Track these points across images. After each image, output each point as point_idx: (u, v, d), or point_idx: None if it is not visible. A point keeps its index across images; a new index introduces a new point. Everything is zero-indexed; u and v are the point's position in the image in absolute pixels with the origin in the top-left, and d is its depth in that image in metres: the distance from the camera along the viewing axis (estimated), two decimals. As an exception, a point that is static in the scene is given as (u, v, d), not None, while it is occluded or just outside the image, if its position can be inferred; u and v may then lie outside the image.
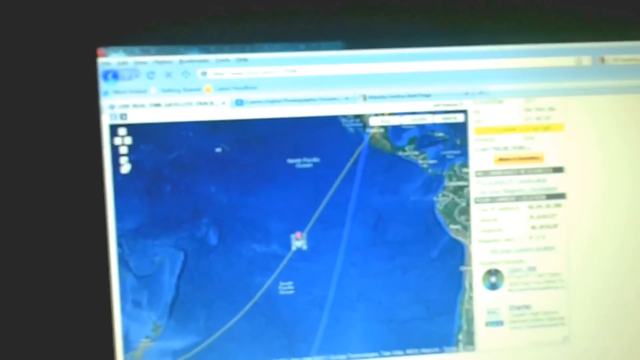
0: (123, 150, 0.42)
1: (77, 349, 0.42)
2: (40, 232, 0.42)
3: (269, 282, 0.43)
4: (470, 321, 0.45)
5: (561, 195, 0.45)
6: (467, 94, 0.44)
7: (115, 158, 0.42)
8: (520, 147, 0.44)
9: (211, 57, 0.43)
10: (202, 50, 0.43)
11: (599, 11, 0.44)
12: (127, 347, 0.43)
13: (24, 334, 0.42)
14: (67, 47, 0.42)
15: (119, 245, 0.42)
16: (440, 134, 0.44)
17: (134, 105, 0.42)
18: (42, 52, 0.42)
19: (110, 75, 0.42)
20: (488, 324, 0.45)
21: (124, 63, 0.42)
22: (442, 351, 0.45)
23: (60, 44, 0.42)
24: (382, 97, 0.44)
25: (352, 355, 0.44)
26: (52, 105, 0.42)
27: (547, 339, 0.45)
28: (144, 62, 0.42)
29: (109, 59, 0.42)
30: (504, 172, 0.44)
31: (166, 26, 0.42)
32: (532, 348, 0.45)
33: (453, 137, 0.44)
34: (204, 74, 0.43)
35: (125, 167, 0.42)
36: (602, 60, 0.45)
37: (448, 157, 0.44)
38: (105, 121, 0.42)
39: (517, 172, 0.44)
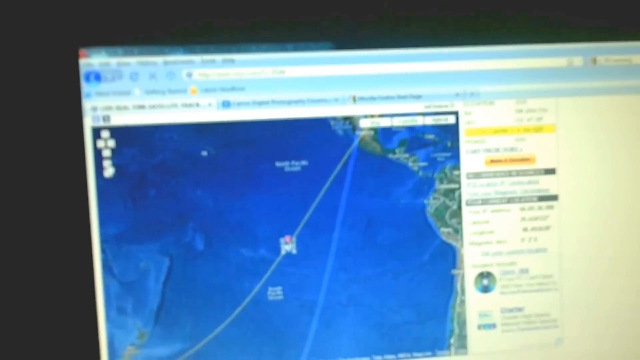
0: (106, 153, 0.41)
1: (62, 357, 0.41)
2: (21, 239, 0.41)
3: (258, 287, 0.43)
4: (462, 325, 0.44)
5: (553, 197, 0.44)
6: (458, 95, 0.43)
7: (98, 162, 0.41)
8: (512, 149, 0.44)
9: (197, 57, 0.42)
10: (187, 50, 0.42)
11: (591, 12, 0.44)
12: (112, 355, 0.42)
13: (9, 343, 0.41)
14: (48, 47, 0.41)
15: (103, 251, 0.41)
16: (431, 136, 0.43)
17: (117, 108, 0.41)
18: (23, 52, 0.40)
19: (92, 77, 0.41)
20: (480, 327, 0.44)
21: (107, 64, 0.41)
22: (434, 355, 0.44)
23: (41, 45, 0.41)
24: (372, 98, 0.43)
25: (343, 360, 0.44)
26: (33, 108, 0.41)
27: (540, 341, 0.45)
28: (127, 63, 0.41)
29: (91, 60, 0.41)
30: (495, 174, 0.44)
31: (150, 26, 0.41)
32: (524, 351, 0.45)
33: (444, 139, 0.44)
34: (190, 75, 0.42)
35: (109, 171, 0.41)
36: (594, 61, 0.44)
37: (439, 159, 0.44)
38: (88, 124, 0.41)
39: (509, 173, 0.44)
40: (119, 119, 0.41)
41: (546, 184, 0.44)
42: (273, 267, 0.43)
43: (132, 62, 0.41)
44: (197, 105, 0.42)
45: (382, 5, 0.43)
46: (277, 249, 0.43)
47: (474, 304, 0.44)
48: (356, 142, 0.43)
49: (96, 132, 0.41)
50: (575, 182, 0.44)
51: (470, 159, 0.44)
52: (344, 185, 0.43)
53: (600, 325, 0.45)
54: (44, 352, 0.42)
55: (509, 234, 0.44)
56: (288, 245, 0.43)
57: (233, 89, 0.42)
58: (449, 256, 0.44)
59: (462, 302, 0.44)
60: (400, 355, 0.44)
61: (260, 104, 0.42)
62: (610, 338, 0.45)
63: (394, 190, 0.43)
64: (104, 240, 0.41)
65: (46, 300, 0.41)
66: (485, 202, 0.44)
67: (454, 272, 0.44)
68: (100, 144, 0.41)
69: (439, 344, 0.44)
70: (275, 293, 0.43)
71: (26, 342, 0.42)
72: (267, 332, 0.43)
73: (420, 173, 0.43)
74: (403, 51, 0.43)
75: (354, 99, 0.43)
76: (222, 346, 0.42)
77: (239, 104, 0.42)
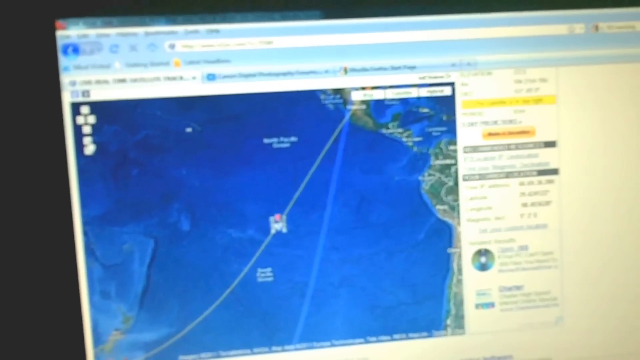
0: (86, 130, 0.40)
1: (46, 343, 0.40)
2: (-2, 221, 0.39)
3: (247, 269, 0.41)
4: (459, 304, 0.43)
5: (553, 171, 0.43)
6: (454, 65, 0.42)
7: (78, 139, 0.40)
8: (510, 121, 0.42)
9: (179, 28, 0.40)
10: (169, 21, 0.40)
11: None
12: (97, 340, 0.41)
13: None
14: (23, 19, 0.39)
15: (85, 233, 0.40)
16: (426, 110, 0.42)
17: (97, 82, 0.39)
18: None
19: (70, 50, 0.39)
20: (478, 306, 0.43)
21: (85, 36, 0.39)
22: (430, 336, 0.43)
23: (16, 16, 0.39)
24: (364, 69, 0.41)
25: (336, 342, 0.42)
26: (8, 82, 0.39)
27: (540, 320, 0.44)
28: (107, 35, 0.39)
29: (69, 32, 0.39)
30: (493, 148, 0.42)
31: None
32: (524, 330, 0.43)
33: (439, 112, 0.42)
34: (172, 46, 0.40)
35: (89, 149, 0.40)
36: (596, 28, 0.42)
37: (434, 133, 0.42)
38: (66, 99, 0.39)
39: (507, 147, 0.42)
40: (99, 94, 0.40)
41: (546, 157, 0.43)
42: (262, 247, 0.41)
43: (111, 33, 0.39)
44: (181, 78, 0.40)
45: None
46: (267, 229, 0.41)
47: (472, 283, 0.43)
48: (347, 116, 0.41)
49: (75, 108, 0.39)
50: (576, 156, 0.43)
51: (467, 132, 0.42)
52: (335, 161, 0.41)
53: (602, 304, 0.44)
54: (27, 337, 0.40)
55: (508, 209, 0.43)
56: (278, 224, 0.41)
57: (218, 61, 0.40)
58: (444, 234, 0.42)
59: (459, 281, 0.43)
60: (396, 336, 0.43)
61: (247, 76, 0.40)
62: (612, 316, 0.44)
63: (387, 167, 0.42)
64: (85, 222, 0.40)
65: (27, 286, 0.40)
66: (482, 177, 0.42)
67: (450, 250, 0.42)
68: (80, 120, 0.40)
69: (435, 324, 0.43)
70: (265, 274, 0.41)
71: (9, 328, 0.40)
72: (256, 315, 0.41)
73: (415, 148, 0.42)
74: (396, 19, 0.41)
75: (345, 71, 0.41)
76: (210, 330, 0.41)
77: (225, 76, 0.40)
